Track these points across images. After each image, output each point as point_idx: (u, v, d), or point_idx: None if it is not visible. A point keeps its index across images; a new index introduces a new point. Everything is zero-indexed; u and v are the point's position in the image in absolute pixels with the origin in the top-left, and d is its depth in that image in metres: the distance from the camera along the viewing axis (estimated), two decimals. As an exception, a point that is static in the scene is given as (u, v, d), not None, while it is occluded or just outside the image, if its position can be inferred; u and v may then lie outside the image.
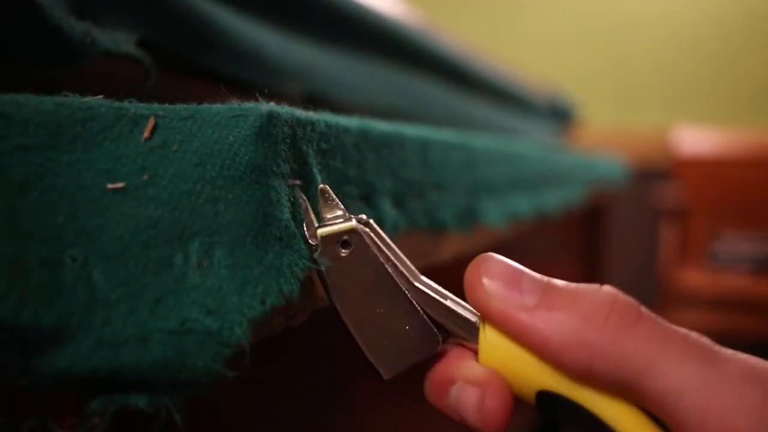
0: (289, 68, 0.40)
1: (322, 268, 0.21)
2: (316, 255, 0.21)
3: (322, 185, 0.22)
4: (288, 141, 0.20)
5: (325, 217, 0.21)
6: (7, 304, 0.14)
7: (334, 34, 0.49)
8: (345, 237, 0.21)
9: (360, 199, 0.26)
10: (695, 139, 2.15)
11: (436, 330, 0.22)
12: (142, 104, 0.19)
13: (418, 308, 0.22)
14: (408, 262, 0.23)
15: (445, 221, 0.34)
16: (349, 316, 0.21)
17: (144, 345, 0.15)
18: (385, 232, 0.23)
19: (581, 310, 0.20)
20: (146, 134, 0.18)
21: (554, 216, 0.61)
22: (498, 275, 0.21)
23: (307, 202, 0.21)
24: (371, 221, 0.22)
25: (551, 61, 2.36)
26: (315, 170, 0.22)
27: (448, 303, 0.22)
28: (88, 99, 0.19)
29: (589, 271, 1.18)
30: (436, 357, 0.22)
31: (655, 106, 2.33)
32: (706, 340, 0.20)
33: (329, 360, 0.35)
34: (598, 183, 0.94)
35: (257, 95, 0.21)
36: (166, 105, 0.20)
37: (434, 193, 0.34)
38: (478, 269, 0.21)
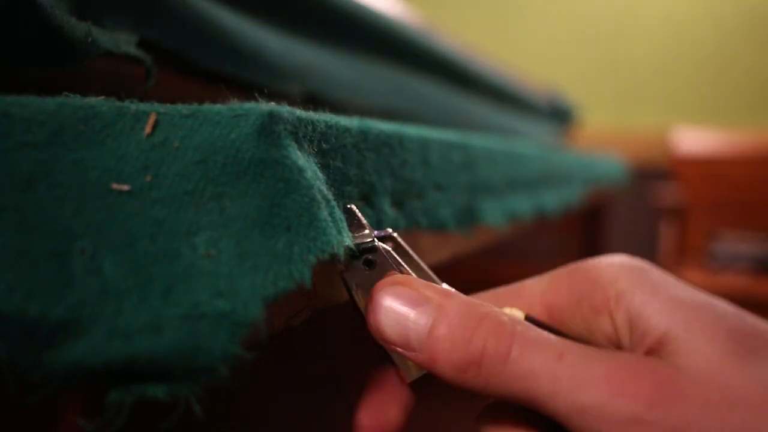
0: (289, 68, 0.40)
1: (350, 286, 0.22)
2: (342, 272, 0.22)
3: (349, 205, 0.23)
4: (291, 138, 0.20)
5: (353, 235, 0.23)
6: (15, 297, 0.14)
7: (333, 34, 0.49)
8: (369, 257, 0.23)
9: (360, 199, 0.26)
10: (694, 139, 2.15)
11: None
12: (142, 103, 0.19)
13: None
14: (430, 271, 0.24)
15: (445, 221, 0.34)
16: None
17: (158, 332, 0.15)
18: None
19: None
20: (148, 129, 0.18)
21: (554, 216, 0.61)
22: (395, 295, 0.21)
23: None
24: (395, 234, 0.24)
25: (551, 62, 2.36)
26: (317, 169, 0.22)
27: None
28: (90, 99, 0.19)
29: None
30: None
31: (654, 106, 2.33)
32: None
33: (329, 360, 0.35)
34: (597, 183, 0.94)
35: (257, 96, 0.21)
36: (167, 104, 0.20)
37: (434, 193, 0.34)
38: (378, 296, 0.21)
